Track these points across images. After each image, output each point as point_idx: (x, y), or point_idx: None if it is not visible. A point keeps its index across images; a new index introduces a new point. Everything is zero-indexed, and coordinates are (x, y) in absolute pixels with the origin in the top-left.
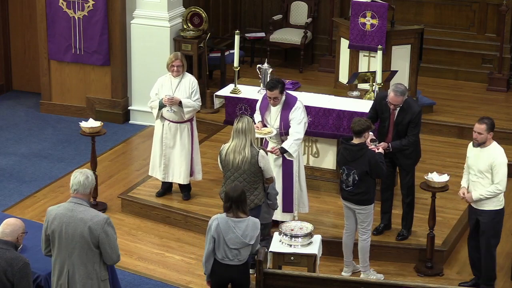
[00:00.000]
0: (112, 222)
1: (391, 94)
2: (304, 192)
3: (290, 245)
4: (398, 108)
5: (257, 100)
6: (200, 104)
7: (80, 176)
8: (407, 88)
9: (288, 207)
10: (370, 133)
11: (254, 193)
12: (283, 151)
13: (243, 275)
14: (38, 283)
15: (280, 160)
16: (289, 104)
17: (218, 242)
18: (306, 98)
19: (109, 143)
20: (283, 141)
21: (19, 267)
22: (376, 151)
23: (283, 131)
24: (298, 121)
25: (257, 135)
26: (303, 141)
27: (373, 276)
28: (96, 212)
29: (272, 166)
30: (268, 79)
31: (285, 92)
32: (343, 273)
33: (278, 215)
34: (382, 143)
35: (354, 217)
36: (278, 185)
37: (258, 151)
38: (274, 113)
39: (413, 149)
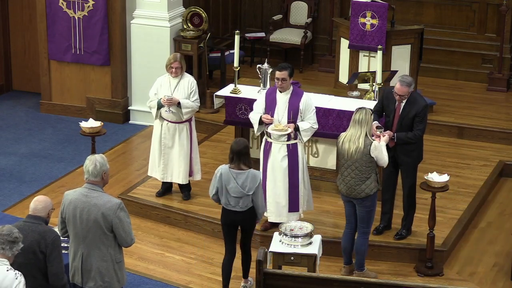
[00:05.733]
0: (124, 207)
1: (397, 84)
2: (308, 190)
3: (290, 245)
4: (404, 101)
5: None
6: (199, 104)
7: (89, 164)
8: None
9: (294, 207)
10: (375, 122)
11: (366, 182)
12: (297, 128)
13: (246, 220)
14: None
15: (285, 161)
16: (297, 94)
17: (221, 190)
18: None
19: (109, 143)
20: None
21: (52, 238)
22: (381, 138)
23: (291, 120)
24: (313, 111)
25: (270, 130)
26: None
27: None
28: (110, 197)
29: (277, 166)
30: (268, 79)
31: (292, 83)
32: None
33: (284, 216)
34: (387, 131)
35: None
36: (284, 185)
37: (372, 142)
38: (282, 103)
39: (415, 147)
